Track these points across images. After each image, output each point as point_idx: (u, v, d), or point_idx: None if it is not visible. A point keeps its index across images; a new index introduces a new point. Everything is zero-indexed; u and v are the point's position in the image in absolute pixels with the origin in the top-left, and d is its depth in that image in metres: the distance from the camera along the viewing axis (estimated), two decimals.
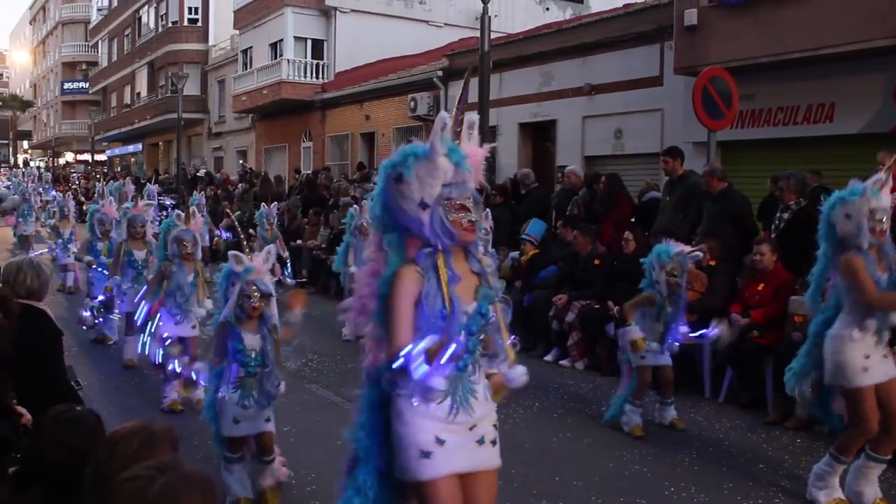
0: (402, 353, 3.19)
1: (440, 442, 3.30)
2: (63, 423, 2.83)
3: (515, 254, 11.10)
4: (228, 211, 16.12)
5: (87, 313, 9.75)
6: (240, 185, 23.21)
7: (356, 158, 24.23)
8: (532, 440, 6.75)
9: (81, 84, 57.55)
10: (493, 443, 3.50)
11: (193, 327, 7.49)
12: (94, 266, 10.29)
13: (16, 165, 64.86)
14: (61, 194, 17.14)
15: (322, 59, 28.12)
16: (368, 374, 3.54)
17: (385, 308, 3.37)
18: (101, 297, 9.78)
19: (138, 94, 45.50)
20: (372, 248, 3.59)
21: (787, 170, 9.19)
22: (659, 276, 6.82)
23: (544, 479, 5.87)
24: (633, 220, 10.82)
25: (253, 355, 5.07)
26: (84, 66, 56.52)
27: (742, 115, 12.43)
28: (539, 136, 18.48)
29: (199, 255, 7.61)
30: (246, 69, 31.18)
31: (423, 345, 3.16)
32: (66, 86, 59.70)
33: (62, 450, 2.73)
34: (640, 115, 15.35)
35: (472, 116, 3.52)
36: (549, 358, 9.93)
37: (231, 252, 5.17)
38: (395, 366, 3.20)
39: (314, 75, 27.86)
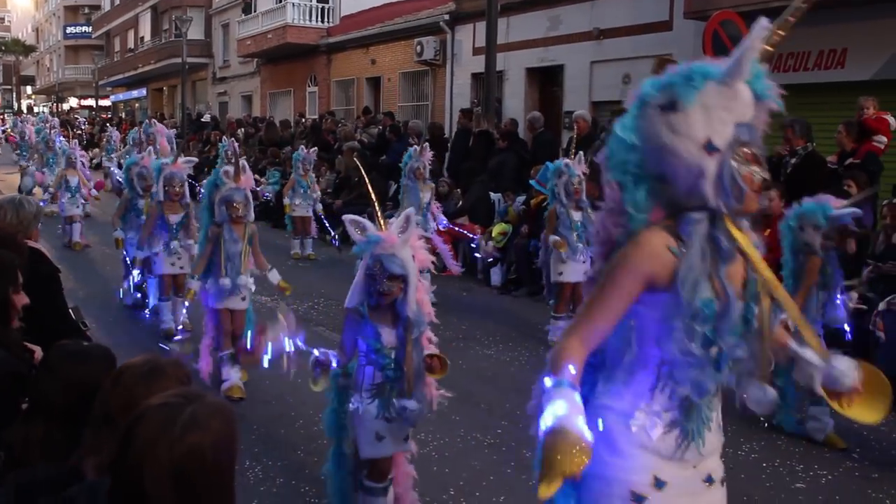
0: (553, 377, 2.34)
1: (659, 485, 2.45)
2: (67, 357, 2.82)
3: (523, 198, 11.07)
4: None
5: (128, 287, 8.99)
6: (240, 130, 23.10)
7: (362, 103, 24.04)
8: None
9: (84, 28, 57.07)
10: (723, 482, 2.63)
11: (243, 299, 6.66)
12: (121, 247, 9.12)
13: (20, 111, 64.57)
14: (66, 140, 16.37)
15: (327, 3, 27.77)
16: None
17: (604, 276, 2.46)
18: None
19: (142, 38, 45.09)
20: (606, 209, 2.56)
21: (790, 116, 9.12)
22: (813, 239, 5.73)
23: None
24: None
25: (392, 356, 3.91)
26: (86, 10, 56.04)
27: None
28: (546, 81, 18.30)
29: (251, 216, 6.69)
30: (250, 13, 30.84)
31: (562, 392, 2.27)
32: (69, 30, 59.18)
33: (64, 384, 2.72)
34: (649, 60, 15.08)
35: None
36: None
37: (347, 217, 4.00)
38: (542, 384, 2.38)
39: (319, 19, 27.54)
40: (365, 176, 4.99)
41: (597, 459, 2.38)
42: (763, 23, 2.29)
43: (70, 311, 4.59)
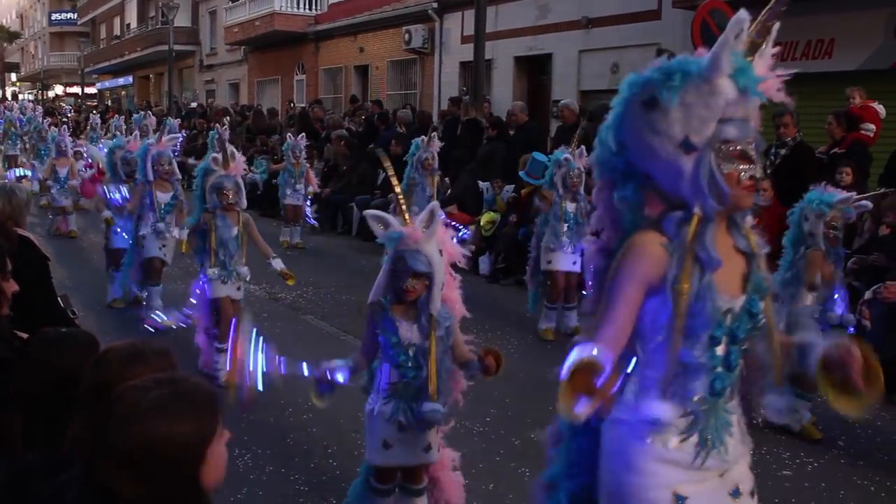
0: (574, 358, 2.20)
1: (679, 500, 2.33)
2: (46, 344, 2.80)
3: (511, 188, 11.07)
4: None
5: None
6: (226, 118, 22.99)
7: (349, 91, 23.98)
8: (526, 370, 6.82)
9: (69, 15, 56.60)
10: (752, 494, 2.49)
11: (239, 289, 6.55)
12: (112, 224, 8.73)
13: (4, 99, 64.01)
14: (56, 128, 16.02)
15: None
16: None
17: (606, 287, 2.38)
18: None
19: (128, 25, 44.79)
20: (599, 209, 2.54)
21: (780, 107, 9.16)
22: (815, 229, 5.55)
23: (538, 409, 5.93)
24: None
25: (410, 353, 3.71)
26: None
27: None
28: (534, 70, 18.30)
29: (244, 203, 6.58)
30: (237, 0, 30.64)
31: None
32: (54, 16, 58.68)
33: (43, 371, 2.70)
34: (638, 49, 15.16)
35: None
36: None
37: (369, 212, 3.80)
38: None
39: (307, 6, 27.39)
40: (391, 170, 4.69)
41: (614, 477, 2.38)
42: (741, 15, 2.22)
43: (59, 299, 4.57)
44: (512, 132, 12.75)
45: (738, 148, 2.26)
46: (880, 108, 8.98)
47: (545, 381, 6.91)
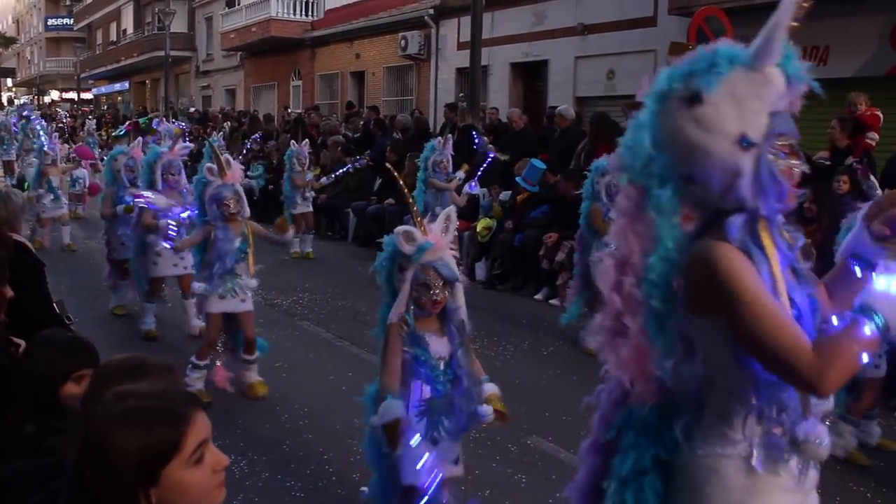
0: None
1: None
2: (43, 350, 2.80)
3: (507, 194, 11.07)
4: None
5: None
6: (225, 123, 22.98)
7: (346, 97, 24.00)
8: (522, 377, 6.82)
9: (66, 20, 56.62)
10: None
11: (243, 301, 6.22)
12: (131, 213, 8.04)
13: (0, 104, 63.93)
14: (45, 136, 15.57)
15: None
16: (627, 419, 2.46)
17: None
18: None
19: (124, 30, 44.84)
20: (624, 218, 2.26)
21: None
22: None
23: (534, 415, 5.94)
24: None
25: (442, 366, 3.64)
26: (68, 2, 55.59)
27: None
28: (530, 77, 18.34)
29: (247, 211, 6.29)
30: (234, 6, 30.69)
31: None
32: (50, 22, 58.69)
33: (35, 377, 2.69)
34: (634, 55, 15.22)
35: None
36: (539, 297, 9.98)
37: (400, 229, 3.67)
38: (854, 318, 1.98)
39: (304, 13, 27.46)
40: (399, 179, 4.54)
41: None
42: None
43: (55, 304, 4.57)
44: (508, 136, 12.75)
45: (789, 142, 2.08)
46: (879, 115, 8.99)
47: (541, 387, 6.94)
